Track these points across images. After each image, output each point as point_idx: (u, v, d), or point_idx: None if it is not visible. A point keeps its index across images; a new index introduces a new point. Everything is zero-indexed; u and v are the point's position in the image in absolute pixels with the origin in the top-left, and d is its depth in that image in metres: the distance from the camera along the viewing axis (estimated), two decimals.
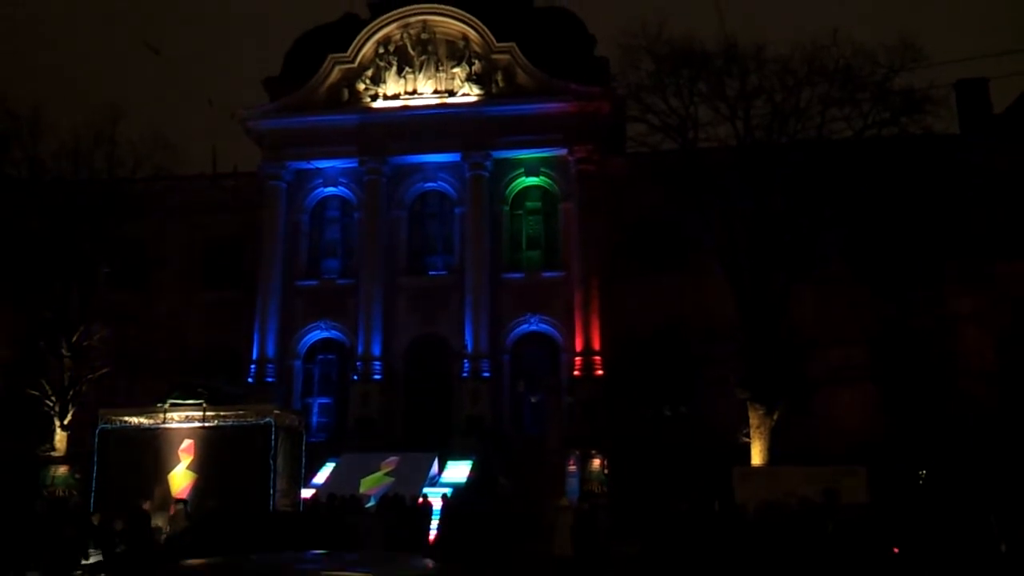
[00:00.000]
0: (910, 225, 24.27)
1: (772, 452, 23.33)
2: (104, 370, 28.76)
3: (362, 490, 22.93)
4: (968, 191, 24.17)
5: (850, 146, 24.02)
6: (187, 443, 17.56)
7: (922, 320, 25.91)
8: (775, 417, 23.58)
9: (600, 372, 28.50)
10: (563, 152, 30.44)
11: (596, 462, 26.45)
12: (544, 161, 31.08)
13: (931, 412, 26.33)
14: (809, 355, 24.94)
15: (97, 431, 18.10)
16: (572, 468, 26.13)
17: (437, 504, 20.88)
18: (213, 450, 17.43)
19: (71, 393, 27.91)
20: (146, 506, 16.39)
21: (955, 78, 28.30)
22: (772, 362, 23.61)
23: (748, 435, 23.64)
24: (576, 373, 28.73)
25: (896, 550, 15.45)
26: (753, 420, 23.54)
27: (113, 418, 18.36)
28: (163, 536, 16.08)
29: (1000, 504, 16.39)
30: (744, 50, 24.19)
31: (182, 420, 17.82)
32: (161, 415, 17.96)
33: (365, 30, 32.12)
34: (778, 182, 23.81)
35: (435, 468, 25.76)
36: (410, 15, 31.81)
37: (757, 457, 23.32)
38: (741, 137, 24.49)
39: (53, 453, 27.50)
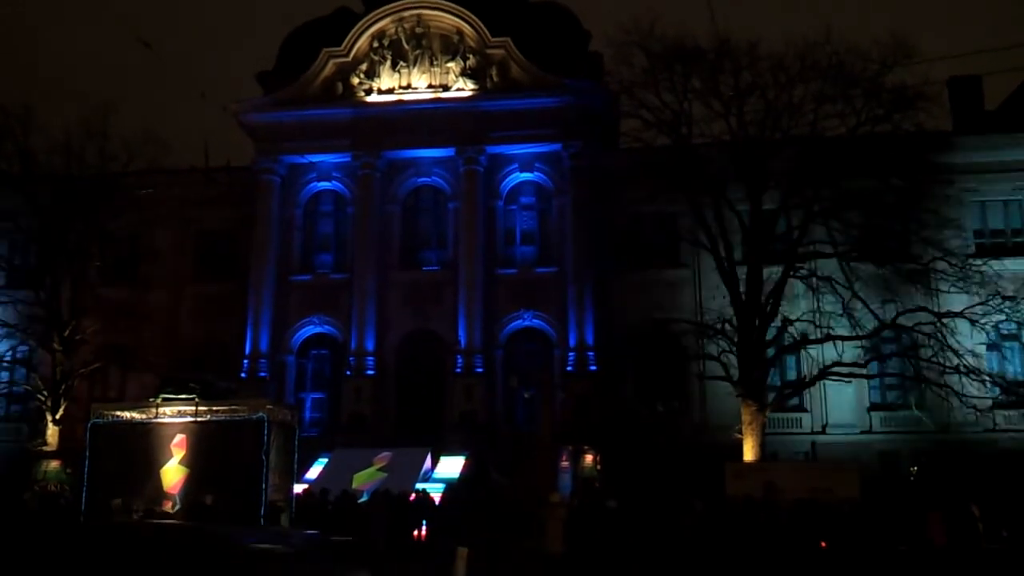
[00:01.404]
0: (902, 221, 24.32)
1: (764, 448, 23.38)
2: (96, 365, 28.78)
3: (354, 485, 22.87)
4: (960, 188, 24.26)
5: (843, 142, 24.06)
6: (179, 438, 17.49)
7: (914, 317, 25.99)
8: (767, 414, 23.64)
9: (593, 368, 28.49)
10: (557, 147, 30.36)
11: (588, 458, 26.46)
12: (538, 156, 31.01)
13: (922, 410, 26.38)
14: (802, 351, 25.02)
15: (89, 426, 18.04)
16: (565, 464, 26.15)
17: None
18: (205, 445, 17.36)
19: (63, 387, 27.88)
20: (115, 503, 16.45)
21: (948, 75, 28.42)
22: (765, 358, 23.68)
23: (740, 432, 23.69)
24: (569, 369, 28.72)
25: (824, 544, 15.76)
26: (745, 416, 23.58)
27: (105, 413, 18.31)
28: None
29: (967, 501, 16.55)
30: (737, 46, 24.22)
31: (174, 415, 17.76)
32: (153, 410, 17.89)
33: (359, 24, 32.03)
34: (771, 178, 23.87)
35: (428, 463, 25.75)
36: (404, 9, 31.72)
37: (749, 453, 23.36)
38: (734, 133, 24.51)
39: (45, 448, 27.46)
